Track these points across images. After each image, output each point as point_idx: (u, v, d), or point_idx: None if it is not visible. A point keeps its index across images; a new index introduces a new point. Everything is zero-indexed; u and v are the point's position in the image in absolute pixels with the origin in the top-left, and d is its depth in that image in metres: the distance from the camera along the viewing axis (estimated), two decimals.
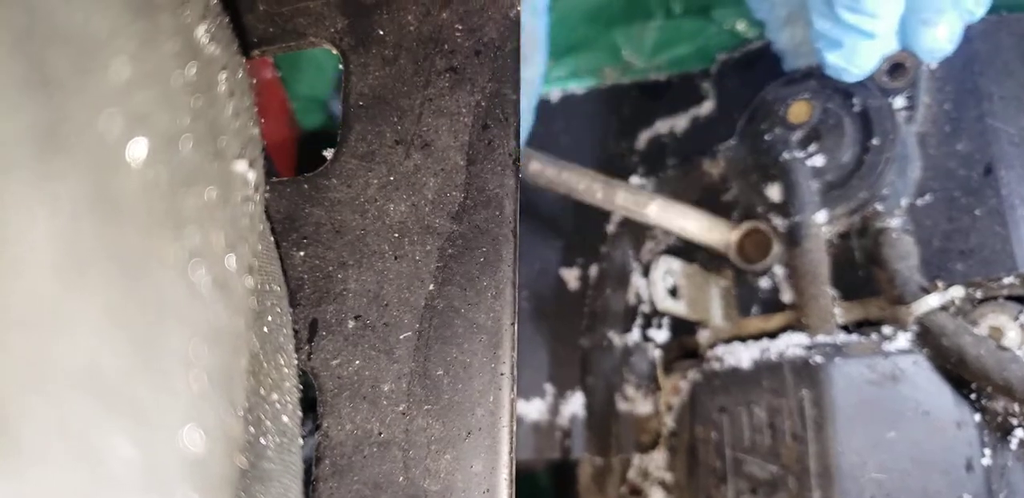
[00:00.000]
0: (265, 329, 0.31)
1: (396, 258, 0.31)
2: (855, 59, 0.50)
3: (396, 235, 0.31)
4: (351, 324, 0.31)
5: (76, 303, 0.20)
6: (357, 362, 0.30)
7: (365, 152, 0.33)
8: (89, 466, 0.19)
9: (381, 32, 0.33)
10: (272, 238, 0.33)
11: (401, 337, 0.30)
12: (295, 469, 0.30)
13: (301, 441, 0.31)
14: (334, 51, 0.34)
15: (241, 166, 0.29)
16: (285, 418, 0.31)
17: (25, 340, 0.18)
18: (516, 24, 0.33)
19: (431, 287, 0.31)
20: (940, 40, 0.49)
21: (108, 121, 0.22)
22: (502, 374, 0.29)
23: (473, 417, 0.29)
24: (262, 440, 0.29)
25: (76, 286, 0.20)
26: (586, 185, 0.56)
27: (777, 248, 0.54)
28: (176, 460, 0.21)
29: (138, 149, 0.23)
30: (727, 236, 0.56)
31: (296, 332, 0.32)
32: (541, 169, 0.57)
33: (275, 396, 0.30)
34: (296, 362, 0.32)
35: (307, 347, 0.31)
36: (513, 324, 0.30)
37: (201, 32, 0.28)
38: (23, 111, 0.20)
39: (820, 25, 0.50)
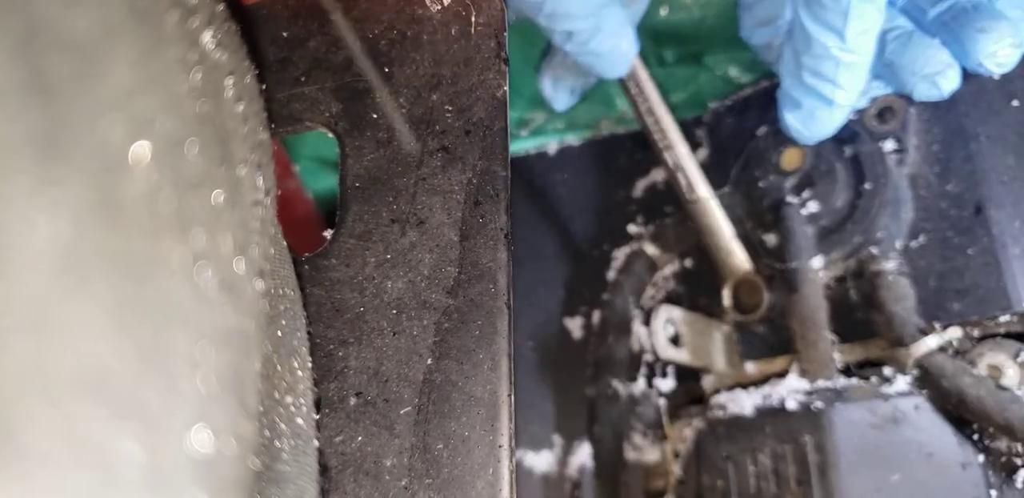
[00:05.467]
0: (279, 333, 0.31)
1: (394, 334, 0.32)
2: (810, 124, 0.51)
3: (394, 311, 0.32)
4: (353, 401, 0.32)
5: (78, 307, 0.20)
6: (360, 438, 0.31)
7: (362, 232, 0.34)
8: (95, 468, 0.19)
9: (375, 115, 0.35)
10: (285, 242, 0.33)
11: (401, 412, 0.31)
12: (310, 471, 0.31)
13: (316, 443, 0.31)
14: (330, 135, 0.35)
15: (249, 169, 0.29)
16: (300, 420, 0.31)
17: (27, 345, 0.18)
18: (503, 103, 0.34)
19: (429, 361, 0.32)
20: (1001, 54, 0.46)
21: (110, 126, 0.22)
22: (500, 446, 0.30)
23: (473, 490, 0.30)
24: (277, 443, 0.29)
25: (77, 290, 0.20)
26: (660, 137, 0.57)
27: (768, 296, 0.55)
28: (184, 461, 0.21)
29: (141, 153, 0.22)
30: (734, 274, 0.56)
31: None
32: (639, 90, 0.57)
33: (289, 399, 0.30)
34: (310, 365, 0.32)
35: None
36: (510, 395, 0.31)
37: (207, 38, 0.28)
38: (23, 117, 0.20)
39: (786, 83, 0.51)
